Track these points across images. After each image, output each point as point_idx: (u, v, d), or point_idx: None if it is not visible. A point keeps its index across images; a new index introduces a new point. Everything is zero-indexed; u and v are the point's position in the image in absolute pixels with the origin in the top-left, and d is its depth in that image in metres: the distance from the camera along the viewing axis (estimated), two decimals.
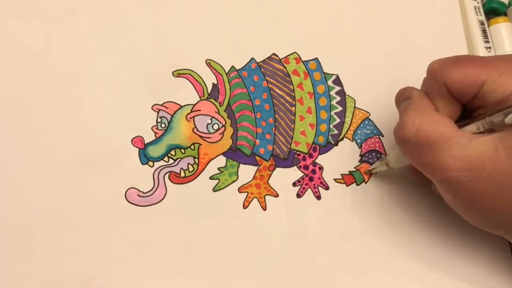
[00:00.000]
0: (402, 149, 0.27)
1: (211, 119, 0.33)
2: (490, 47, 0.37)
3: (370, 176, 0.34)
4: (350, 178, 0.33)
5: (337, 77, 0.35)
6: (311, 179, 0.33)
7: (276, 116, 0.34)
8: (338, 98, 0.35)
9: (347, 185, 0.33)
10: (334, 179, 0.33)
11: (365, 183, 0.33)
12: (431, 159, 0.26)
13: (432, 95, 0.27)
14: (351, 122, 0.35)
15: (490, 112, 0.25)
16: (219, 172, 0.32)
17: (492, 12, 0.39)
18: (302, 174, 0.33)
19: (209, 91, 0.34)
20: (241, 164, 0.33)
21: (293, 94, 0.34)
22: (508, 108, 0.24)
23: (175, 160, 0.32)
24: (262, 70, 0.35)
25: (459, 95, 0.26)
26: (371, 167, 0.33)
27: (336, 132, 0.34)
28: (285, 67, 0.35)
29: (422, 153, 0.26)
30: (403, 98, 0.28)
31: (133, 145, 0.32)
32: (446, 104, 0.27)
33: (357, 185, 0.33)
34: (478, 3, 0.38)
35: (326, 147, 0.34)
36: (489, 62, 0.26)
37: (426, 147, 0.26)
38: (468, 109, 0.27)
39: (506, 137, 0.25)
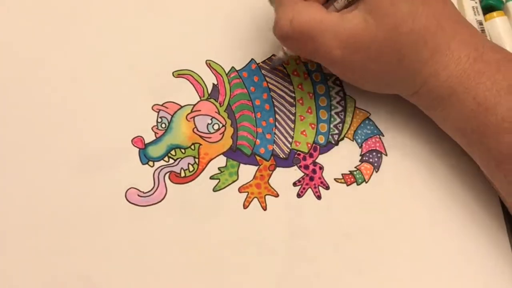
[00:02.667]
0: (285, 45, 0.29)
1: (211, 119, 0.33)
2: None
3: (371, 176, 0.33)
4: (351, 178, 0.33)
5: (337, 77, 0.35)
6: (311, 178, 0.33)
7: (277, 116, 0.34)
8: (338, 98, 0.35)
9: (347, 185, 0.33)
10: (335, 179, 0.33)
11: (366, 182, 0.33)
12: (312, 45, 0.27)
13: None
14: (351, 122, 0.35)
15: None
16: (219, 172, 0.32)
17: (489, 9, 0.39)
18: (303, 174, 0.33)
19: (209, 92, 0.34)
20: (241, 164, 0.33)
21: (293, 94, 0.35)
22: None
23: (175, 160, 0.32)
24: (262, 71, 0.35)
25: None
26: (272, 61, 0.34)
27: (336, 132, 0.34)
28: (285, 68, 0.35)
29: (302, 42, 0.28)
30: None
31: (133, 145, 0.32)
32: None
33: (357, 184, 0.33)
34: (476, 3, 0.38)
35: (326, 147, 0.34)
36: None
37: (304, 36, 0.27)
38: None
39: (370, 5, 0.26)
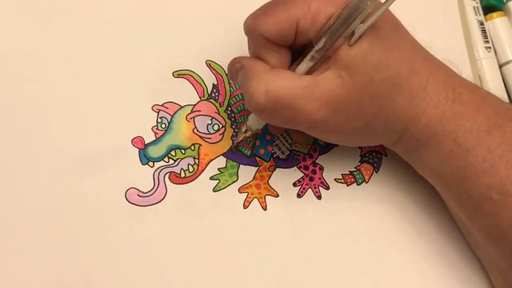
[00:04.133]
0: (262, 118, 0.28)
1: (211, 120, 0.33)
2: (490, 47, 0.37)
3: (371, 176, 0.33)
4: (351, 178, 0.33)
5: None
6: (311, 179, 0.33)
7: None
8: None
9: (347, 185, 0.33)
10: (335, 179, 0.33)
11: (366, 183, 0.33)
12: (291, 113, 0.26)
13: (258, 52, 0.27)
14: None
15: (316, 41, 0.26)
16: (219, 172, 0.32)
17: (490, 8, 0.39)
18: (303, 174, 0.33)
19: (209, 92, 0.34)
20: (241, 165, 0.33)
21: None
22: (329, 29, 0.25)
23: (175, 161, 0.32)
24: None
25: (281, 42, 0.26)
26: (236, 140, 0.32)
27: None
28: None
29: (280, 112, 0.26)
30: (236, 70, 0.29)
31: (133, 145, 0.32)
32: (275, 55, 0.27)
33: (357, 185, 0.33)
34: (477, 3, 0.38)
35: (326, 147, 0.34)
36: (294, 1, 0.26)
37: (282, 106, 0.26)
38: (298, 51, 0.28)
39: (342, 61, 0.26)
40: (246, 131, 0.31)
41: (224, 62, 0.35)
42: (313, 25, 0.26)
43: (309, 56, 0.26)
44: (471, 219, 0.28)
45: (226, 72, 0.34)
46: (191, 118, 0.33)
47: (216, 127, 0.33)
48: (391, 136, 0.29)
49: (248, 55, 0.30)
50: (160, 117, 0.33)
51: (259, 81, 0.26)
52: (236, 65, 0.28)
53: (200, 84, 0.34)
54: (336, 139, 0.30)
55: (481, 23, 0.38)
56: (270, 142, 0.33)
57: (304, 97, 0.26)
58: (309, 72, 0.27)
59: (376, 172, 0.34)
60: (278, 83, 0.26)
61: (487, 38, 0.37)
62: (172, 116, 0.33)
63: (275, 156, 0.33)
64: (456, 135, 0.27)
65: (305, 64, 0.27)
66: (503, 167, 0.26)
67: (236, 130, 0.33)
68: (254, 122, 0.31)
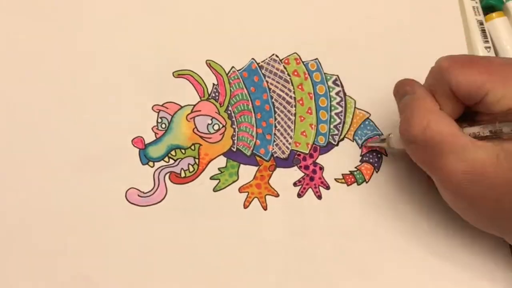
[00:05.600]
0: (408, 148, 0.27)
1: (211, 120, 0.33)
2: (489, 47, 0.37)
3: (371, 176, 0.33)
4: (351, 178, 0.33)
5: (337, 77, 0.35)
6: (311, 179, 0.33)
7: (276, 116, 0.34)
8: (338, 99, 0.35)
9: (348, 185, 0.33)
10: (335, 179, 0.33)
11: (366, 183, 0.33)
12: (435, 159, 0.26)
13: (436, 92, 0.27)
14: (351, 122, 0.34)
15: (500, 120, 0.25)
16: (220, 172, 0.32)
17: (489, 8, 0.39)
18: (303, 174, 0.33)
19: (209, 92, 0.34)
20: (241, 165, 0.33)
21: (293, 94, 0.34)
22: None
23: (175, 161, 0.32)
24: (262, 71, 0.35)
25: (463, 99, 0.26)
26: (373, 143, 0.33)
27: (336, 132, 0.34)
28: (285, 68, 0.35)
29: (427, 152, 0.26)
30: (404, 92, 0.28)
31: (134, 145, 0.32)
32: (449, 104, 0.27)
33: (358, 185, 0.33)
34: (476, 3, 0.38)
35: (326, 147, 0.34)
36: (495, 70, 0.26)
37: (431, 148, 0.26)
38: (471, 111, 0.27)
39: (509, 148, 0.25)
40: (383, 141, 0.31)
41: (224, 62, 0.35)
42: (500, 103, 0.25)
43: (487, 130, 0.25)
44: None
45: (226, 72, 0.34)
46: (191, 118, 0.33)
47: (216, 127, 0.33)
48: None
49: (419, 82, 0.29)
50: (160, 117, 0.33)
51: (424, 116, 0.26)
52: (407, 87, 0.28)
53: (200, 84, 0.34)
54: (462, 211, 0.28)
55: (481, 23, 0.38)
56: (270, 141, 0.33)
57: (455, 152, 0.25)
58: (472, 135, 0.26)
59: (377, 172, 0.34)
60: (439, 127, 0.25)
61: (486, 38, 0.37)
62: (172, 116, 0.33)
63: (275, 155, 0.33)
64: None
65: (476, 130, 0.26)
66: None
67: (237, 130, 0.33)
68: (395, 141, 0.31)
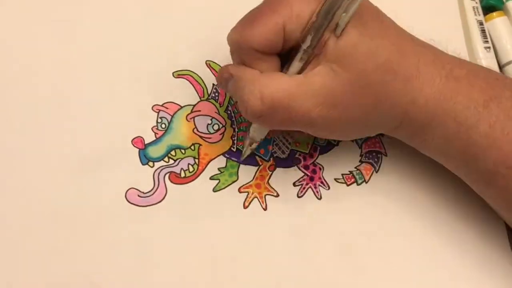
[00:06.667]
0: (260, 123, 0.28)
1: (211, 120, 0.33)
2: (489, 47, 0.37)
3: (371, 176, 0.34)
4: (351, 178, 0.33)
5: None
6: (311, 179, 0.33)
7: None
8: None
9: (347, 185, 0.33)
10: (335, 179, 0.33)
11: (366, 183, 0.33)
12: (287, 115, 0.26)
13: (247, 63, 0.27)
14: None
15: (302, 40, 0.25)
16: (219, 172, 0.32)
17: (489, 8, 0.39)
18: (303, 174, 0.33)
19: (209, 92, 0.34)
20: (241, 165, 0.33)
21: None
22: (313, 25, 0.25)
23: (175, 161, 0.32)
24: None
25: (271, 50, 0.26)
26: (244, 153, 0.32)
27: None
28: None
29: (278, 115, 0.26)
30: (225, 80, 0.28)
31: (133, 145, 0.32)
32: (264, 64, 0.27)
33: (357, 184, 0.33)
34: (476, 3, 0.38)
35: (326, 147, 0.34)
36: (277, 2, 0.26)
37: (278, 109, 0.26)
38: (286, 55, 0.27)
39: (332, 56, 0.25)
40: (251, 144, 0.31)
41: (224, 62, 0.35)
42: (298, 25, 0.25)
43: (298, 57, 0.26)
44: (484, 194, 0.29)
45: None
46: (191, 118, 0.33)
47: (216, 127, 0.33)
48: (391, 123, 0.29)
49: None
50: (160, 117, 0.33)
51: (252, 89, 0.26)
52: (225, 75, 0.28)
53: (200, 84, 0.34)
54: (337, 135, 0.30)
55: (481, 23, 0.38)
56: (270, 141, 0.33)
57: (299, 95, 0.26)
58: (300, 73, 0.27)
59: (376, 172, 0.34)
60: (271, 87, 0.26)
61: (486, 38, 0.37)
62: (172, 116, 0.33)
63: (275, 155, 0.33)
64: (455, 113, 0.27)
65: (295, 66, 0.26)
66: (505, 141, 0.26)
67: (237, 130, 0.33)
68: (257, 132, 0.30)
